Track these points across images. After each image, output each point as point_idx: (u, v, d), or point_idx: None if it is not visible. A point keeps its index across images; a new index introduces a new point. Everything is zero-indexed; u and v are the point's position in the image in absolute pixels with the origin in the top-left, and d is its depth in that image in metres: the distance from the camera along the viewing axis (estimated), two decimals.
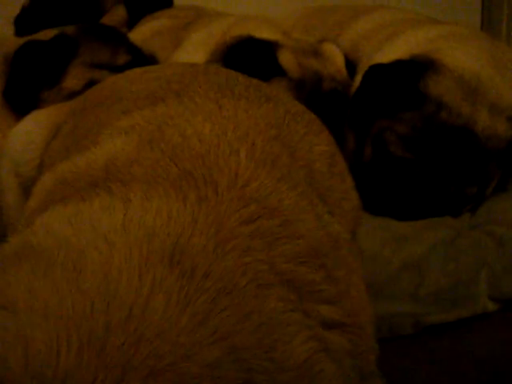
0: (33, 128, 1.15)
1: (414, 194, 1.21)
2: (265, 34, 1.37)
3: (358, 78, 1.32)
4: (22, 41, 1.34)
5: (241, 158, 0.77)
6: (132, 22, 1.73)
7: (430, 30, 1.38)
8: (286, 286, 0.67)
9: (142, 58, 1.35)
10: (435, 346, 1.08)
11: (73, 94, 1.25)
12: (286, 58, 1.30)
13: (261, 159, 0.79)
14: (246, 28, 1.40)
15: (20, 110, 1.25)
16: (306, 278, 0.69)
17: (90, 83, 1.26)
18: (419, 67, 1.21)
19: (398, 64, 1.23)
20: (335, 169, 0.98)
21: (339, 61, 1.38)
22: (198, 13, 1.65)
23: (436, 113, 1.18)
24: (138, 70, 1.15)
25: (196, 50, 1.40)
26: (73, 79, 1.29)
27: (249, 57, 1.29)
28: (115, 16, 1.73)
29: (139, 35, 1.57)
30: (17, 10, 1.74)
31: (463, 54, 1.27)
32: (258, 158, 0.79)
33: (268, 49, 1.29)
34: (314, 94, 1.30)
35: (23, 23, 1.66)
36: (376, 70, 1.25)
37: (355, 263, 0.88)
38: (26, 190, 1.16)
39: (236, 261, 0.64)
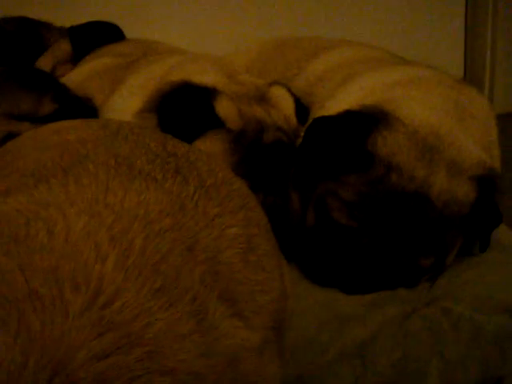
0: None
1: (360, 265, 1.07)
2: (206, 77, 1.24)
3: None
4: None
5: (106, 267, 0.64)
6: (77, 57, 1.61)
7: (389, 73, 1.23)
8: None
9: (71, 106, 1.23)
10: None
11: None
12: (224, 107, 1.16)
13: (135, 266, 0.66)
14: (186, 71, 1.27)
15: None
16: None
17: (9, 136, 1.14)
18: (368, 121, 1.06)
19: (344, 117, 1.08)
20: (252, 255, 0.84)
21: (288, 107, 1.24)
22: (145, 50, 1.51)
23: (385, 176, 1.03)
24: (48, 130, 1.03)
25: (132, 95, 1.28)
26: None
27: (183, 107, 1.16)
28: (59, 51, 1.60)
29: (77, 76, 1.45)
30: None
31: (421, 105, 1.12)
32: (133, 264, 0.66)
33: (204, 97, 1.16)
34: (255, 145, 1.16)
35: None
36: (319, 123, 1.10)
37: (263, 374, 0.76)
38: None
39: None
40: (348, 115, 1.09)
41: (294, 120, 1.25)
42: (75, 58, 1.61)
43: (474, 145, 1.11)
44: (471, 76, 2.64)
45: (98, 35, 1.63)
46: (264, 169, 1.16)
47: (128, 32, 1.71)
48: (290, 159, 1.18)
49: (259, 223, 0.91)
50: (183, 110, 1.15)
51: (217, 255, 0.79)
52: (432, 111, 1.11)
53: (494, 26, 2.48)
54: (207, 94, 1.16)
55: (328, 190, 1.08)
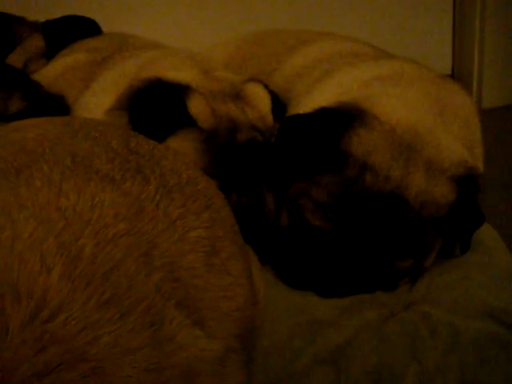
0: None
1: (335, 267, 1.03)
2: (181, 74, 1.19)
3: None
4: None
5: (52, 278, 0.60)
6: (51, 52, 1.56)
7: (368, 69, 1.19)
8: None
9: (42, 104, 1.18)
10: None
11: None
12: (196, 105, 1.12)
13: (83, 276, 0.62)
14: (160, 67, 1.23)
15: None
16: None
17: None
18: (343, 119, 1.02)
19: (318, 115, 1.04)
20: (215, 259, 0.81)
21: (264, 105, 1.20)
22: (121, 44, 1.46)
23: (359, 176, 0.98)
24: (9, 128, 0.98)
25: (104, 92, 1.23)
26: None
27: (154, 104, 1.12)
28: (31, 46, 1.55)
29: (50, 72, 1.40)
30: None
31: (399, 102, 1.07)
32: (80, 274, 0.62)
33: (177, 94, 1.12)
34: (228, 145, 1.12)
35: None
36: (293, 122, 1.06)
37: None
38: None
39: None
40: (322, 113, 1.05)
41: (269, 118, 1.20)
42: (49, 54, 1.56)
43: (455, 143, 1.07)
44: (459, 71, 2.61)
45: (73, 30, 1.58)
46: (237, 169, 1.12)
47: (106, 26, 1.66)
48: (264, 159, 1.15)
49: (225, 224, 0.87)
50: (154, 107, 1.11)
51: (177, 260, 0.75)
52: (411, 108, 1.07)
53: (482, 22, 2.45)
54: (180, 92, 1.12)
55: (301, 190, 1.04)
